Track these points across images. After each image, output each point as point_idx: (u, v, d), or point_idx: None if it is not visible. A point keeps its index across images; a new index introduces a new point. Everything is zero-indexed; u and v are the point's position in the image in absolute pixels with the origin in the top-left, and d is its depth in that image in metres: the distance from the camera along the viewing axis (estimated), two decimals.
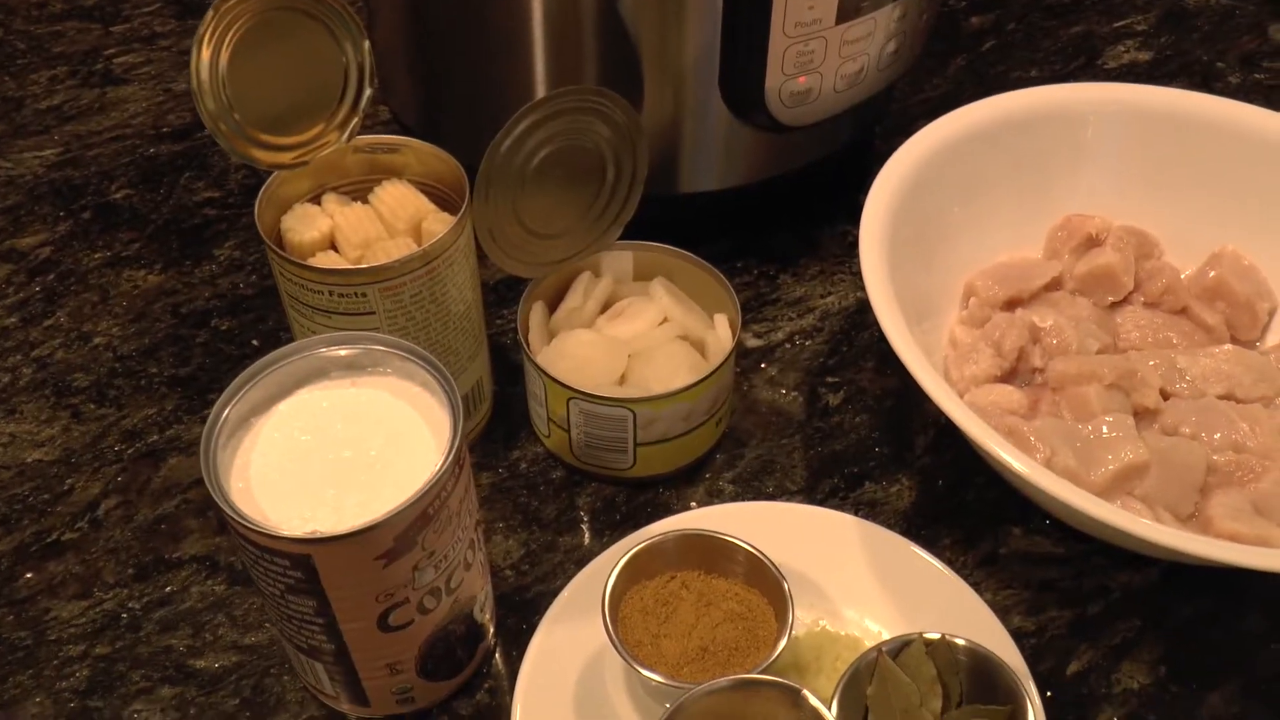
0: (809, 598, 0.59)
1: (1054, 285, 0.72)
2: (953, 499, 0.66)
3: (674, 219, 0.71)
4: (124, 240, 0.83)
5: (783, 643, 0.52)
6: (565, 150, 0.62)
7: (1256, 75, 0.99)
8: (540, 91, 0.70)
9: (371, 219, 0.62)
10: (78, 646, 0.60)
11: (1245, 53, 1.01)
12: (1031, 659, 0.59)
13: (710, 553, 0.56)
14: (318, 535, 0.46)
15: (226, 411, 0.50)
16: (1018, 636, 0.59)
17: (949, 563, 0.61)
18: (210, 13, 0.54)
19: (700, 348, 0.66)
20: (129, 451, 0.69)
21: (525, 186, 0.61)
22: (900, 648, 0.53)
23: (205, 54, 0.55)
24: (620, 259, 0.69)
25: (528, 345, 0.64)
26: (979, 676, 0.52)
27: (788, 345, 0.74)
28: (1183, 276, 0.74)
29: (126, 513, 0.66)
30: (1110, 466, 0.60)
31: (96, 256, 0.82)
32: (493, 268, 0.77)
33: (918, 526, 0.64)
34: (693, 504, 0.65)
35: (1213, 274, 0.72)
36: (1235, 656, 0.60)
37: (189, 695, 0.58)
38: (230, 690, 0.59)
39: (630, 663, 0.52)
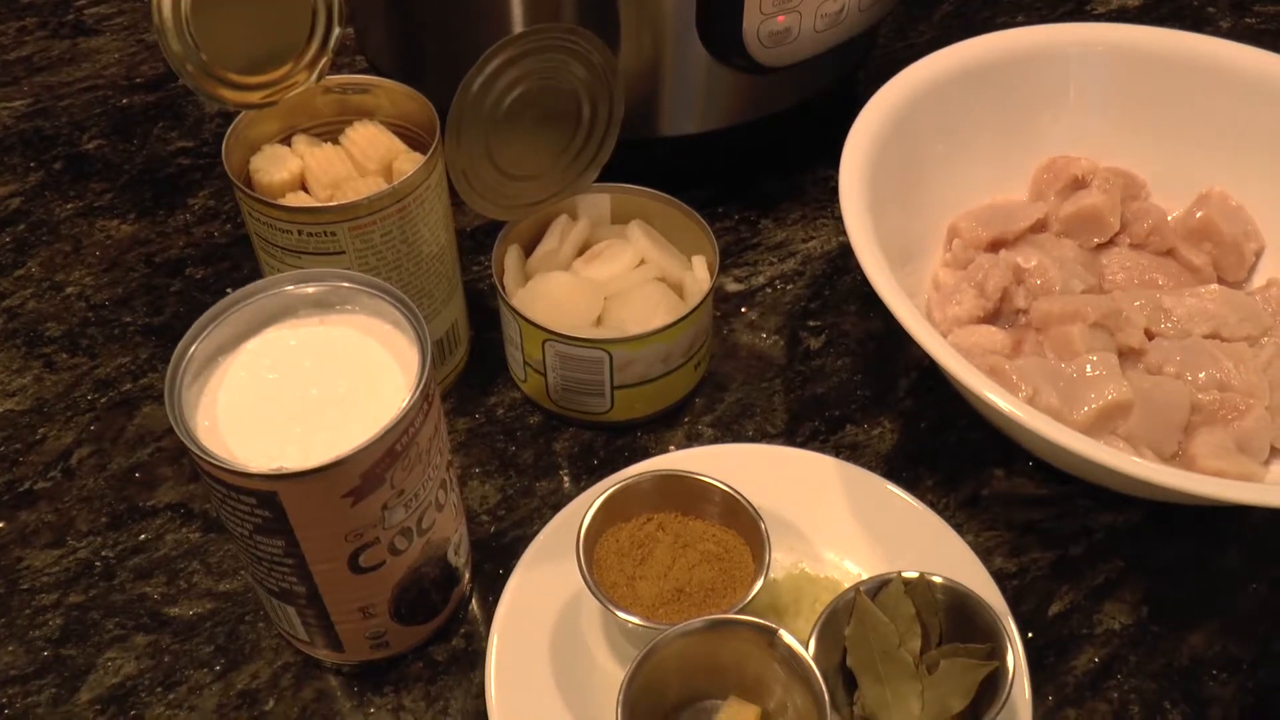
0: (788, 540, 0.59)
1: (1039, 227, 0.71)
2: (935, 441, 0.65)
3: (653, 164, 0.70)
4: (96, 190, 0.81)
5: (759, 583, 0.52)
6: (539, 90, 0.60)
7: (1247, 20, 0.98)
8: (515, 31, 0.69)
9: (342, 159, 0.61)
10: (51, 595, 0.60)
11: None
12: (1013, 600, 0.58)
13: (687, 494, 0.55)
14: (284, 471, 0.45)
15: (192, 349, 0.49)
16: (999, 578, 0.59)
17: (931, 505, 0.60)
18: None
19: (678, 289, 0.65)
20: (102, 400, 0.69)
21: (498, 127, 0.60)
22: (878, 587, 0.52)
23: None
24: (597, 202, 0.67)
25: (503, 288, 0.63)
26: (958, 615, 0.52)
27: (768, 289, 0.73)
28: (1169, 218, 0.73)
29: (100, 461, 0.66)
30: (1093, 405, 0.60)
31: (68, 207, 0.80)
32: (469, 214, 0.77)
33: (899, 469, 0.64)
34: (671, 448, 0.64)
35: (1199, 215, 0.71)
36: (1216, 596, 0.59)
37: (163, 643, 0.58)
38: (205, 637, 0.58)
39: (605, 604, 0.51)
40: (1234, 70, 0.72)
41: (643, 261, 0.65)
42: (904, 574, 0.52)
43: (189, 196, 0.81)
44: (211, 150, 0.84)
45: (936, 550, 0.58)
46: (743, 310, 0.72)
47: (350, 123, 0.62)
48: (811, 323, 0.71)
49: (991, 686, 0.50)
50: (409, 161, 0.61)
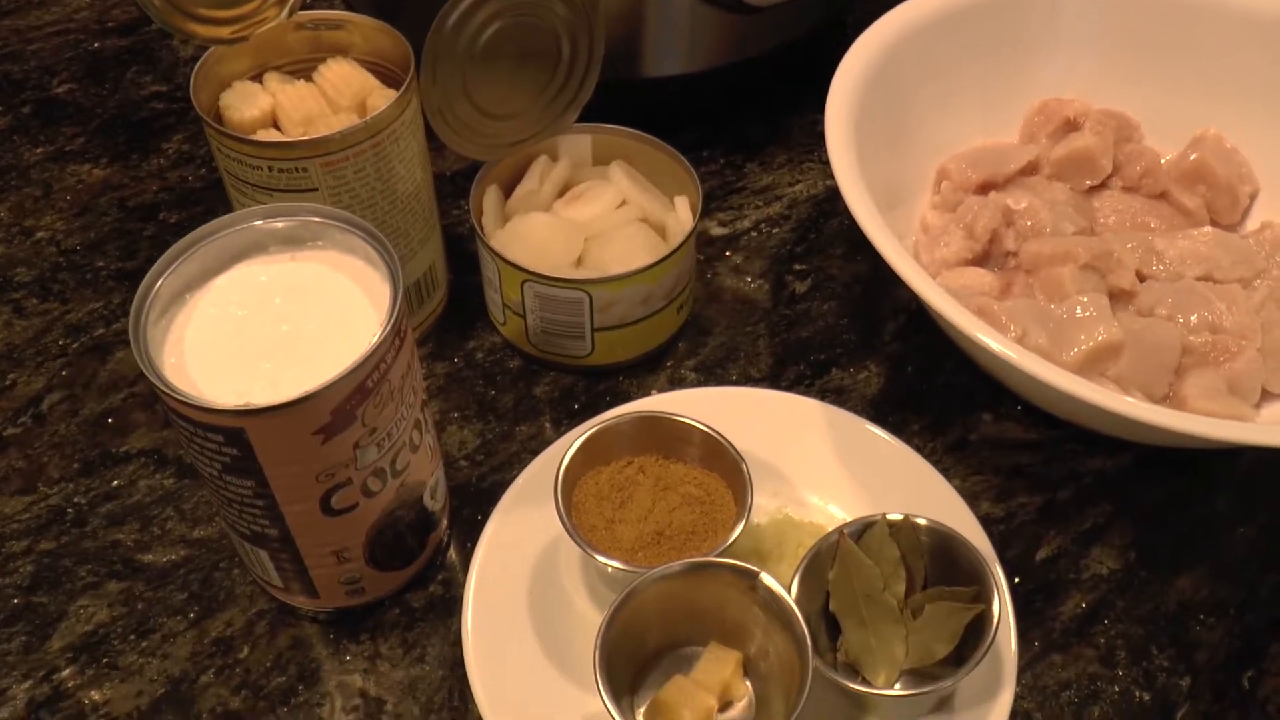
0: (772, 485, 0.58)
1: (1030, 170, 0.70)
2: (922, 385, 0.64)
3: (637, 106, 0.68)
4: (67, 135, 0.80)
5: (740, 526, 0.51)
6: (517, 27, 0.59)
7: None
8: None
9: (314, 96, 0.59)
10: (21, 542, 0.59)
11: None
12: (1000, 545, 0.57)
13: (668, 436, 0.54)
14: (251, 407, 0.44)
15: (158, 285, 0.48)
16: (986, 523, 0.58)
17: (917, 449, 0.59)
18: None
19: (660, 231, 0.63)
20: (74, 346, 0.67)
21: (475, 64, 0.58)
22: (863, 530, 0.51)
23: None
24: (578, 143, 0.66)
25: (481, 229, 0.62)
26: (943, 558, 0.51)
27: (754, 233, 0.72)
28: (1163, 161, 0.71)
29: (71, 407, 0.64)
30: (1083, 346, 0.59)
31: (38, 151, 0.79)
32: (449, 158, 0.75)
33: (885, 413, 0.63)
34: (653, 392, 0.63)
35: (1194, 157, 0.70)
36: (1205, 539, 0.59)
37: (136, 590, 0.57)
38: (179, 584, 0.57)
39: (583, 548, 0.50)
40: (1231, 10, 0.70)
41: (624, 202, 0.64)
42: (889, 516, 0.51)
43: (163, 141, 0.79)
44: (186, 95, 0.82)
45: (923, 494, 0.57)
46: (727, 254, 0.70)
47: (323, 60, 0.61)
48: (797, 266, 0.70)
49: (976, 630, 0.49)
50: (383, 98, 0.59)
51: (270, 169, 0.55)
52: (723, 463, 0.53)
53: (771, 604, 0.48)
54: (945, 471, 0.59)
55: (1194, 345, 0.61)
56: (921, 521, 0.51)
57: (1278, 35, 0.69)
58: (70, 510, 0.60)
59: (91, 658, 0.55)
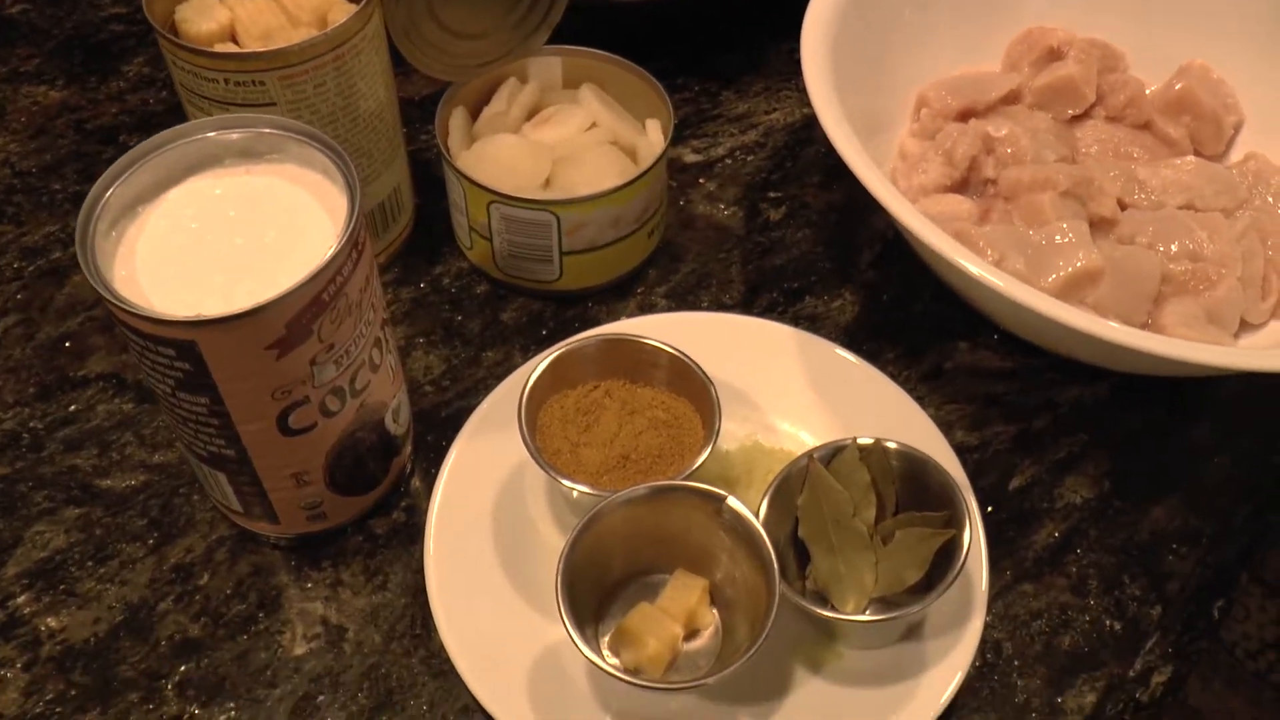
0: (742, 411, 0.57)
1: (1011, 98, 0.69)
2: (897, 313, 0.63)
3: (611, 31, 0.67)
4: (21, 56, 0.78)
5: (709, 449, 0.50)
6: None
7: None
8: None
9: (273, 10, 0.58)
10: None
11: None
12: (973, 474, 0.57)
13: (635, 359, 0.53)
14: (202, 318, 0.42)
15: (107, 195, 0.46)
16: (960, 451, 0.57)
17: (892, 377, 0.59)
18: None
19: (631, 154, 0.62)
20: (29, 269, 0.66)
21: None
22: (833, 454, 0.50)
23: None
24: (548, 65, 0.64)
25: (446, 150, 0.60)
26: (914, 483, 0.50)
27: (728, 160, 0.70)
28: (1148, 91, 0.70)
29: (27, 331, 0.63)
30: (1062, 272, 0.58)
31: None
32: (418, 82, 0.74)
33: (859, 341, 0.62)
34: (623, 319, 0.62)
35: (1179, 86, 0.69)
36: (1180, 469, 0.58)
37: (94, 516, 0.56)
38: (138, 510, 0.56)
39: (547, 471, 0.49)
40: None
41: (594, 125, 0.62)
42: (859, 440, 0.50)
43: (122, 64, 0.77)
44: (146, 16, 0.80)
45: (897, 421, 0.56)
46: (701, 181, 0.69)
47: None
48: (772, 194, 0.69)
49: (947, 557, 0.49)
50: (345, 13, 0.57)
51: (226, 82, 0.53)
52: (691, 386, 0.52)
53: (738, 528, 0.48)
54: (920, 400, 0.59)
55: (1174, 274, 0.60)
56: (892, 445, 0.50)
57: None
58: (26, 435, 0.59)
59: (48, 584, 0.54)
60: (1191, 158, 0.66)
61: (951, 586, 0.48)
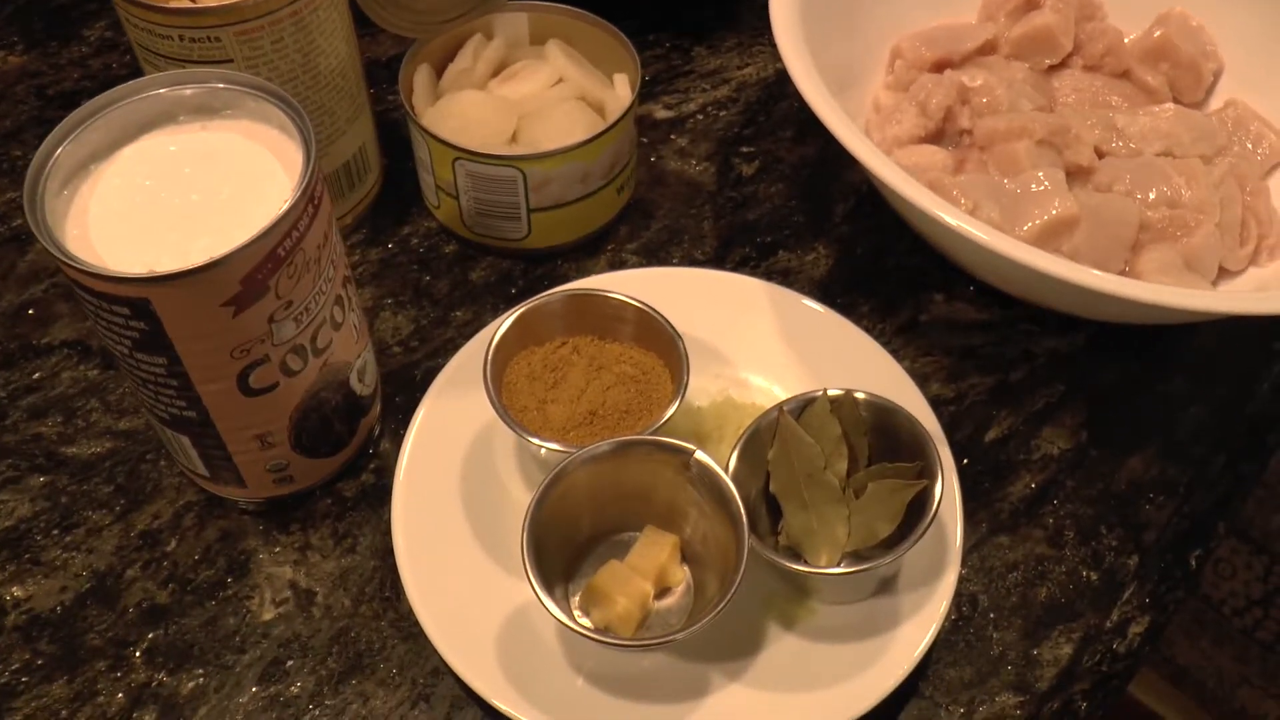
0: (714, 367, 0.56)
1: (988, 49, 0.68)
2: (872, 266, 0.63)
3: None
4: None
5: (677, 403, 0.50)
6: None
7: None
8: None
9: None
10: None
11: None
12: (949, 426, 0.57)
13: (602, 315, 0.53)
14: (155, 274, 0.42)
15: (57, 153, 0.46)
16: (937, 403, 0.57)
17: (867, 330, 0.58)
18: None
19: (599, 110, 0.61)
20: None
21: None
22: (803, 407, 0.50)
23: None
24: (514, 21, 0.64)
25: (411, 107, 0.60)
26: (886, 433, 0.50)
27: (700, 116, 0.70)
28: (1126, 40, 0.69)
29: None
30: (1037, 220, 0.57)
31: None
32: (385, 41, 0.73)
33: (834, 295, 0.61)
34: (593, 276, 0.61)
35: (1158, 34, 0.68)
36: (1156, 419, 0.58)
37: (60, 483, 0.55)
38: (104, 477, 0.56)
39: (513, 427, 0.49)
40: None
41: (560, 80, 0.61)
42: (829, 391, 0.50)
43: (84, 28, 0.76)
44: None
45: (871, 374, 0.55)
46: (672, 137, 0.68)
47: None
48: (744, 149, 0.68)
49: (920, 510, 0.48)
50: None
51: (181, 39, 0.52)
52: (659, 341, 0.52)
53: (706, 482, 0.47)
54: (895, 353, 0.58)
55: (1151, 221, 0.59)
56: (862, 396, 0.50)
57: None
58: None
59: (13, 553, 0.53)
60: (1170, 105, 0.65)
61: (925, 539, 0.47)
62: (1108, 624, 0.52)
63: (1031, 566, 0.53)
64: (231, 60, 0.53)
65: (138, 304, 0.43)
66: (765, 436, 0.50)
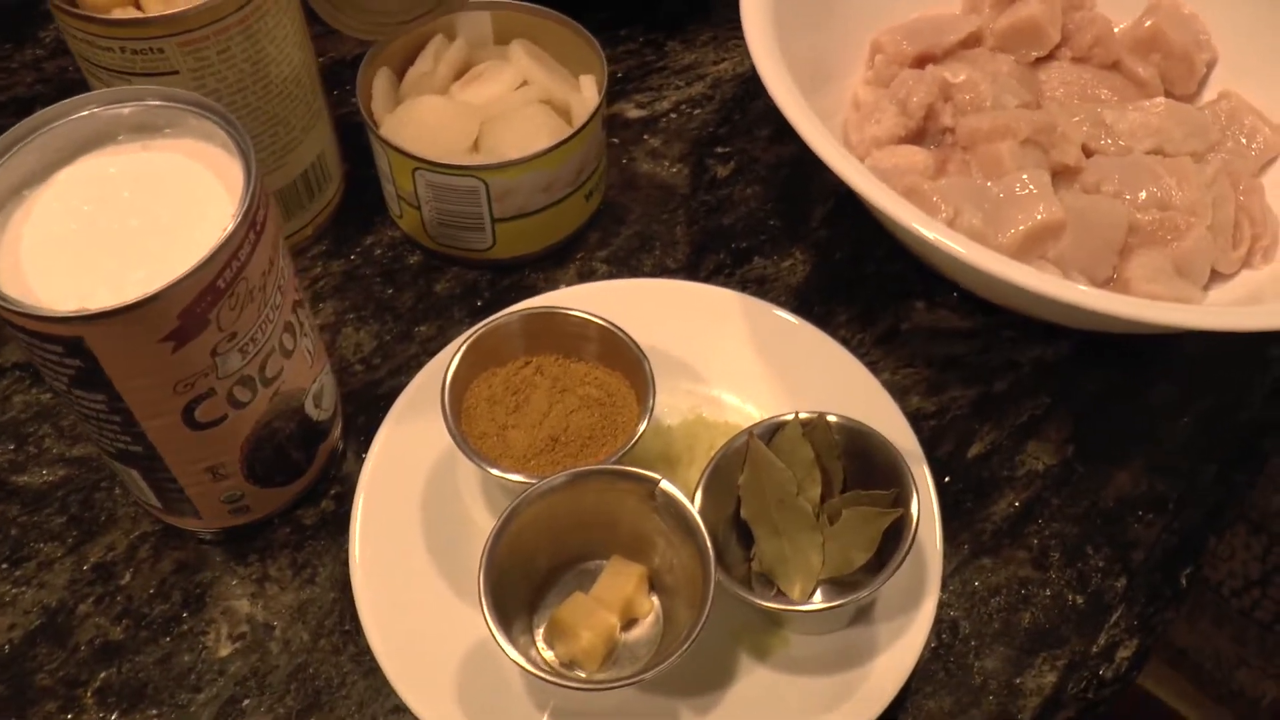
0: (686, 384, 0.55)
1: (972, 41, 0.66)
2: (851, 273, 0.61)
3: None
4: None
5: (641, 429, 0.48)
6: None
7: None
8: None
9: None
10: None
11: None
12: (930, 442, 0.55)
13: (564, 333, 0.51)
14: (85, 313, 0.40)
15: None
16: (917, 418, 0.56)
17: (845, 340, 0.57)
18: None
19: (566, 113, 0.59)
20: None
21: None
22: (774, 430, 0.48)
23: None
24: (476, 20, 0.62)
25: (369, 114, 0.58)
26: (861, 458, 0.48)
27: (673, 115, 0.68)
28: (1116, 29, 0.67)
29: None
30: (1021, 226, 0.55)
31: None
32: (347, 42, 0.70)
33: (811, 303, 0.59)
34: (562, 286, 0.60)
35: (1149, 24, 0.66)
36: (1145, 430, 0.57)
37: (10, 514, 0.54)
38: (56, 507, 0.54)
39: (471, 457, 0.47)
40: None
41: (525, 83, 0.60)
42: (801, 415, 0.48)
43: (39, 30, 0.74)
44: None
45: (847, 390, 0.54)
46: (645, 137, 0.66)
47: None
48: (719, 149, 0.66)
49: (897, 536, 0.47)
50: None
51: (123, 50, 0.51)
52: (624, 360, 0.50)
53: (672, 513, 0.46)
54: (874, 365, 0.57)
55: (1141, 223, 0.58)
56: (834, 419, 0.48)
57: None
58: None
59: None
60: (1161, 99, 0.63)
61: (903, 565, 0.46)
62: (1094, 649, 0.50)
63: (1015, 590, 0.52)
64: (177, 72, 0.52)
65: (70, 342, 0.41)
66: (735, 461, 0.48)
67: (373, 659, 0.49)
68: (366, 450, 0.53)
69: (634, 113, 0.68)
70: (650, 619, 0.49)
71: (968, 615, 0.51)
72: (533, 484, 0.46)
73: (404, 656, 0.47)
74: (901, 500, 0.46)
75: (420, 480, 0.52)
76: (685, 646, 0.43)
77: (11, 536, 0.53)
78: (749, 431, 0.48)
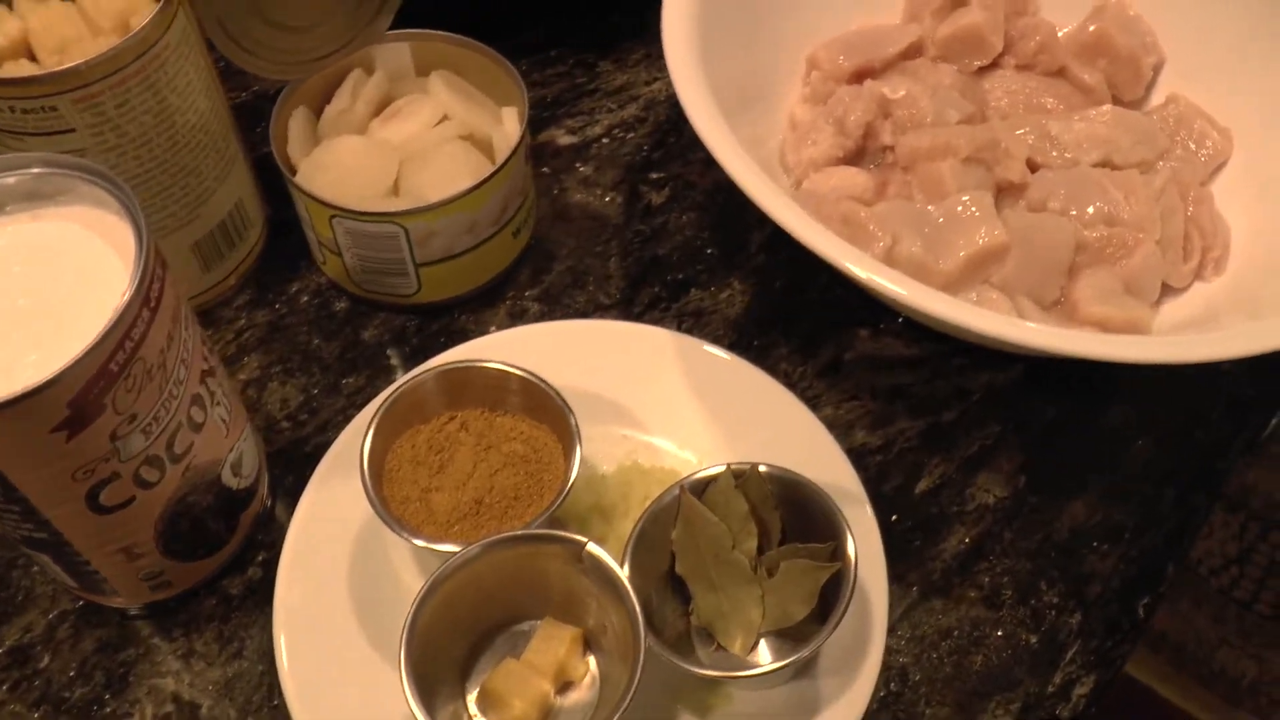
0: (621, 428, 0.54)
1: (913, 52, 0.65)
2: (791, 302, 0.60)
3: (474, 8, 0.62)
4: None
5: (566, 489, 0.47)
6: None
7: None
8: None
9: (72, 18, 0.53)
10: None
11: None
12: (877, 478, 0.54)
13: (488, 385, 0.50)
14: None
15: None
16: (862, 453, 0.54)
17: (786, 374, 0.56)
18: None
19: (488, 148, 0.58)
20: None
21: None
22: (706, 483, 0.47)
23: None
24: (396, 52, 0.60)
25: (283, 159, 0.56)
26: (797, 507, 0.47)
27: (606, 140, 0.66)
28: (1061, 34, 0.66)
29: None
30: (962, 252, 0.54)
31: None
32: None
33: (750, 336, 0.58)
34: (493, 328, 0.58)
35: (1093, 28, 0.64)
36: (1098, 457, 0.55)
37: None
38: None
39: (393, 527, 0.46)
40: None
41: (445, 118, 0.58)
42: (733, 466, 0.47)
43: None
44: None
45: (788, 431, 0.53)
46: (577, 165, 0.65)
47: None
48: (654, 175, 0.65)
49: (838, 586, 0.45)
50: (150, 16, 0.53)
51: (14, 110, 0.49)
52: (550, 412, 0.49)
53: (600, 575, 0.44)
54: (817, 399, 0.56)
55: (1088, 241, 0.56)
56: (765, 469, 0.47)
57: None
58: None
59: None
60: (1108, 107, 0.62)
61: (847, 615, 0.45)
62: (1049, 689, 0.49)
63: (966, 632, 0.50)
64: (73, 129, 0.50)
65: None
66: (667, 516, 0.47)
67: None
68: (294, 512, 0.52)
69: (565, 139, 0.66)
70: (587, 681, 0.48)
71: (917, 661, 0.50)
72: (455, 552, 0.44)
73: None
74: (839, 554, 0.45)
75: (347, 544, 0.51)
76: (618, 715, 0.42)
77: None
78: (680, 485, 0.47)
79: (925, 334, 0.58)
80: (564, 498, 0.46)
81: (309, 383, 0.57)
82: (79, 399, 0.40)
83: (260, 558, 0.53)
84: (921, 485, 0.54)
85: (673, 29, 0.55)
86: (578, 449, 0.47)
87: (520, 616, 0.48)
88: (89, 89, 0.49)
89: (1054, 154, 0.60)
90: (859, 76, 0.63)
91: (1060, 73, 0.65)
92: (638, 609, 0.43)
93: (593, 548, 0.44)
